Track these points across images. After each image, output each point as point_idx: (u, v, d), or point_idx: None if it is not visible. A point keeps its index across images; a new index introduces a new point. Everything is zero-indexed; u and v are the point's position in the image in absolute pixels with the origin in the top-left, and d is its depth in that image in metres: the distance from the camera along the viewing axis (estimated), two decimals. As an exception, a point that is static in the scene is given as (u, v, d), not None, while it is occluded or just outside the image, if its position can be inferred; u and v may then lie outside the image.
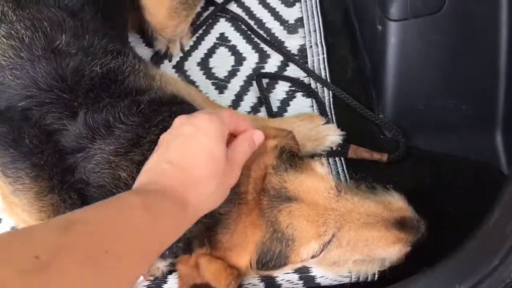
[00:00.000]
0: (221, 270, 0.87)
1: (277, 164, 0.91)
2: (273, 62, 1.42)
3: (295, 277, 1.00)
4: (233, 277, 0.88)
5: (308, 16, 1.51)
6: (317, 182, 0.90)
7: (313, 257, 0.90)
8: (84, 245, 0.55)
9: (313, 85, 1.37)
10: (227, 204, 0.86)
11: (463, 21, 1.19)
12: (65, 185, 0.89)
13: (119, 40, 1.08)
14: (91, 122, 0.88)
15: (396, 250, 0.94)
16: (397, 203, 0.96)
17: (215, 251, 0.88)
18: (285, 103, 1.35)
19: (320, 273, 1.00)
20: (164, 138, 0.79)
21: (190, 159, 0.73)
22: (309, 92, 1.35)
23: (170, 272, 1.01)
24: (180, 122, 0.78)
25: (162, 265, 1.00)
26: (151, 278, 1.00)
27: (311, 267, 1.01)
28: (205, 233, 0.87)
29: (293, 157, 0.94)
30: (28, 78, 0.88)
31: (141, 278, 0.96)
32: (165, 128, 0.92)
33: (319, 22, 1.49)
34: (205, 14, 1.52)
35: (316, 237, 0.88)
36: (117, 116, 0.89)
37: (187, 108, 1.02)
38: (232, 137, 0.84)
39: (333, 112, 1.32)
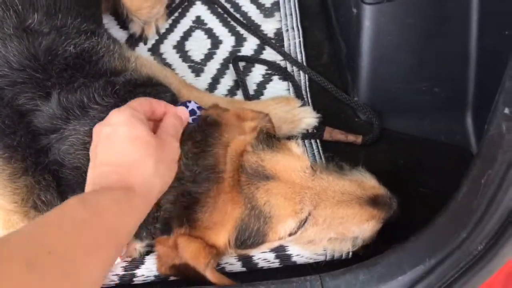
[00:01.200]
0: (200, 249, 0.88)
1: (255, 143, 0.92)
2: (250, 45, 1.43)
3: (271, 256, 1.02)
4: (212, 255, 0.89)
5: (284, 0, 1.51)
6: (294, 162, 0.92)
7: (290, 234, 0.92)
8: (23, 252, 0.56)
9: (289, 68, 1.38)
10: (205, 183, 0.87)
11: (437, 5, 1.21)
12: (39, 167, 0.89)
13: (93, 20, 1.06)
14: (65, 102, 0.87)
15: (369, 227, 0.97)
16: (369, 182, 0.99)
17: (194, 230, 0.89)
18: (261, 86, 1.35)
19: (296, 251, 1.02)
20: (91, 150, 0.81)
21: (118, 152, 0.76)
22: (285, 75, 1.36)
23: (148, 253, 1.01)
24: (96, 129, 0.80)
25: (139, 246, 1.00)
26: (129, 259, 1.00)
27: (287, 246, 1.02)
28: (184, 212, 0.88)
29: (270, 137, 0.95)
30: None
31: (118, 259, 0.96)
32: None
33: (295, 5, 1.50)
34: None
35: (293, 214, 0.89)
36: (92, 96, 0.88)
37: (163, 89, 1.02)
38: (156, 122, 0.86)
39: (309, 95, 1.34)
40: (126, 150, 0.75)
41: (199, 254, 0.88)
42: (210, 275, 0.89)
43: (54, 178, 0.90)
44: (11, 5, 0.91)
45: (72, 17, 0.97)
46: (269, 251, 1.02)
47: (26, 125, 0.87)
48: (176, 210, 0.88)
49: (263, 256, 1.02)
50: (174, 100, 1.03)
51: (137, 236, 0.97)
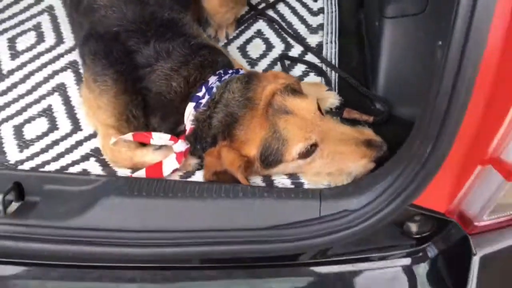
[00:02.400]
0: (235, 158, 1.24)
1: (283, 90, 1.29)
2: (295, 51, 1.83)
3: (288, 181, 1.34)
4: (243, 162, 1.24)
5: (328, 23, 1.92)
6: (308, 105, 1.28)
7: (299, 156, 1.25)
8: None
9: (324, 68, 1.76)
10: (244, 108, 1.24)
11: (440, 22, 1.56)
12: (134, 89, 1.31)
13: (181, 6, 1.52)
14: (157, 47, 1.31)
15: (362, 163, 1.28)
16: (367, 131, 1.31)
17: (233, 143, 1.25)
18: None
19: (306, 182, 1.34)
20: None
21: None
22: (319, 72, 1.74)
23: (198, 169, 1.38)
24: None
25: (193, 162, 1.37)
26: (184, 170, 1.37)
27: (299, 175, 1.34)
28: (226, 128, 1.25)
29: (294, 90, 1.32)
30: (121, 13, 1.34)
31: (177, 165, 1.32)
32: (205, 60, 1.34)
33: (336, 27, 1.90)
34: (247, 16, 1.97)
35: (303, 140, 1.24)
36: (175, 46, 1.32)
37: (222, 55, 1.44)
38: None
39: (337, 89, 1.70)
40: None
41: (234, 161, 1.24)
42: (240, 176, 1.23)
43: (143, 99, 1.32)
44: None
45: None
46: (287, 178, 1.35)
47: (131, 60, 1.31)
48: (222, 127, 1.25)
49: (282, 181, 1.34)
50: (229, 65, 1.44)
51: (193, 153, 1.36)
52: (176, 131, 1.35)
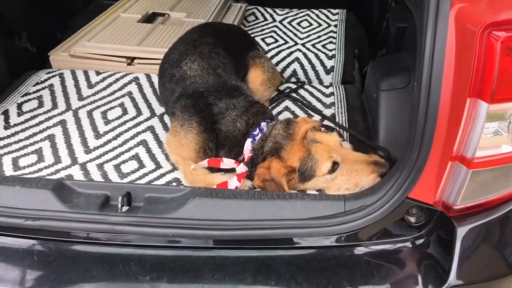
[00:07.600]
0: (281, 167, 1.78)
1: (312, 129, 1.87)
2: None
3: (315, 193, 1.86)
4: (287, 171, 1.77)
5: (337, 101, 2.58)
6: (331, 137, 1.85)
7: (328, 172, 1.79)
8: None
9: (338, 129, 2.36)
10: (287, 139, 1.81)
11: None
12: (211, 129, 1.90)
13: (240, 80, 2.18)
14: (227, 103, 1.93)
15: (372, 177, 1.81)
16: (374, 155, 1.87)
17: (279, 159, 1.80)
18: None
19: (331, 194, 1.85)
20: None
21: None
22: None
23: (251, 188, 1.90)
24: None
25: (249, 183, 1.89)
26: (242, 189, 1.88)
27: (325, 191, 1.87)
28: (274, 151, 1.81)
29: (319, 130, 1.90)
30: (204, 80, 1.99)
31: (238, 184, 1.84)
32: (258, 110, 1.94)
33: (344, 105, 2.55)
34: (277, 96, 2.63)
35: (329, 159, 1.79)
36: (238, 101, 1.94)
37: (268, 110, 2.05)
38: None
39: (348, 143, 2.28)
40: None
41: (280, 169, 1.77)
42: (284, 181, 1.75)
43: (216, 137, 1.90)
44: (210, 64, 2.07)
45: (233, 74, 2.10)
46: (316, 191, 1.86)
47: (210, 110, 1.92)
48: (271, 151, 1.82)
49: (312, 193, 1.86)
50: (272, 116, 2.05)
51: (248, 177, 1.89)
52: (238, 160, 1.90)
